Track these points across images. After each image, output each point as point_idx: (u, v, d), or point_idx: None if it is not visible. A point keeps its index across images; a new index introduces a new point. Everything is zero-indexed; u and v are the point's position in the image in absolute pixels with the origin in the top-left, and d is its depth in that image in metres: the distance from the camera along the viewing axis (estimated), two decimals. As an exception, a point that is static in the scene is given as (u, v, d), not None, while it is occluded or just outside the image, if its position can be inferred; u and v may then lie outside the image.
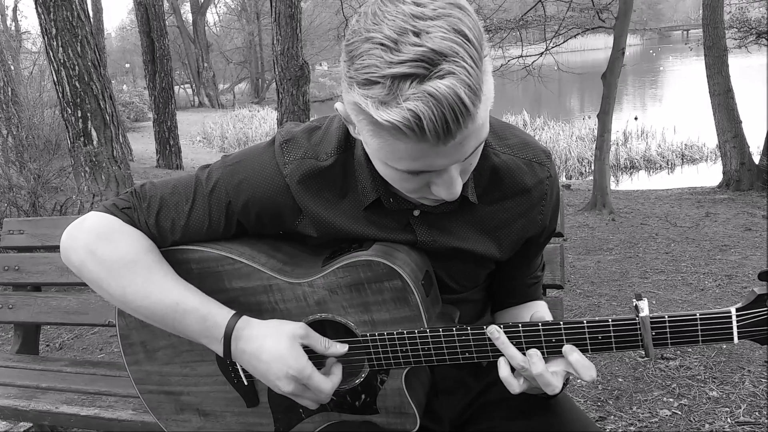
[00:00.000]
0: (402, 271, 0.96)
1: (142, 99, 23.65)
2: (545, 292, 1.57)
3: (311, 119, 1.11)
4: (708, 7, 8.17)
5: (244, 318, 1.00)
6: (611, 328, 0.93)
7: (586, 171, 12.15)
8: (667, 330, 0.92)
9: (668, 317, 0.91)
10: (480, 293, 1.17)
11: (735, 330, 0.90)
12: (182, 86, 33.83)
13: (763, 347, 2.68)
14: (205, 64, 31.28)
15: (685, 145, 12.86)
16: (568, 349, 0.94)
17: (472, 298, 1.15)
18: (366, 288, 0.99)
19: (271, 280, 1.03)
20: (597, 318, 0.94)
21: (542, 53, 9.60)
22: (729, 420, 2.26)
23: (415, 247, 1.04)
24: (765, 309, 0.89)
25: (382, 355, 1.01)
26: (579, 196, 8.23)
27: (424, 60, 0.73)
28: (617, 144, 12.64)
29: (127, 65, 42.32)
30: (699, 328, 0.91)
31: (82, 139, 5.89)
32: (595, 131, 8.24)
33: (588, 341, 0.94)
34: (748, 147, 8.29)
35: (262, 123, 20.76)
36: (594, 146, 7.97)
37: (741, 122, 8.17)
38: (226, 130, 19.75)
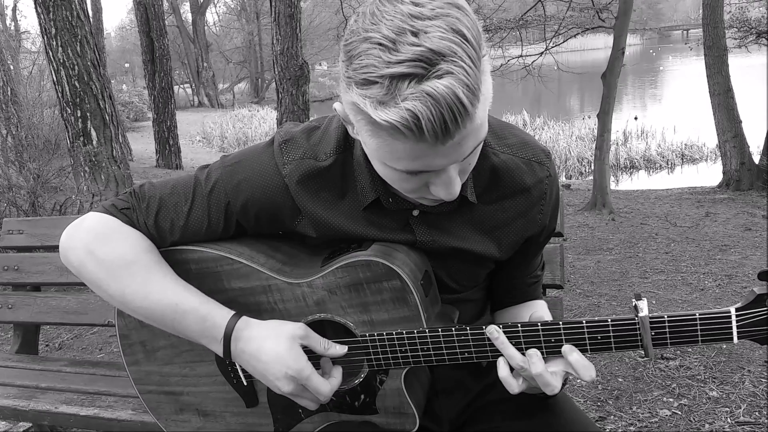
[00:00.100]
0: (401, 271, 0.96)
1: (141, 99, 23.64)
2: (545, 292, 1.57)
3: (310, 119, 1.11)
4: (708, 6, 8.17)
5: (244, 318, 1.00)
6: (610, 328, 0.93)
7: (585, 171, 12.16)
8: (667, 330, 0.92)
9: (667, 317, 0.91)
10: (480, 293, 1.17)
11: (734, 330, 0.90)
12: (182, 86, 33.83)
13: (763, 347, 2.68)
14: (205, 64, 31.28)
15: (685, 144, 12.86)
16: (567, 349, 0.94)
17: (472, 297, 1.15)
18: (365, 288, 0.99)
19: (270, 280, 1.03)
20: (596, 318, 0.94)
21: (542, 53, 9.60)
22: (729, 420, 2.26)
23: (415, 247, 1.04)
24: (765, 309, 0.89)
25: (381, 356, 1.01)
26: (579, 196, 8.23)
27: (422, 60, 0.73)
28: (617, 144, 12.64)
29: (127, 65, 42.32)
30: (698, 328, 0.91)
31: (81, 138, 5.89)
32: (595, 131, 8.24)
33: (587, 341, 0.94)
34: (748, 147, 8.29)
35: (261, 123, 20.76)
36: (594, 146, 7.97)
37: (741, 122, 8.17)
38: (225, 129, 19.75)
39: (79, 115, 5.84)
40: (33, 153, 6.94)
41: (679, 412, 2.34)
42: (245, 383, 1.10)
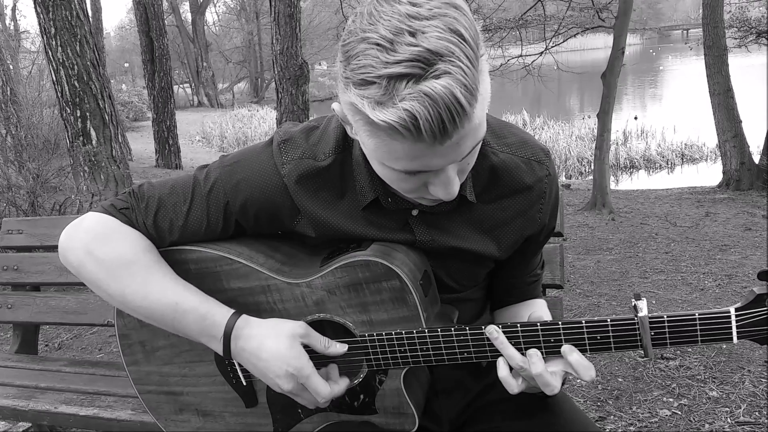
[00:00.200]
0: (400, 271, 0.96)
1: (141, 98, 23.63)
2: (545, 292, 1.57)
3: (310, 119, 1.11)
4: (708, 6, 8.17)
5: (244, 317, 1.00)
6: (610, 328, 0.93)
7: (585, 171, 12.15)
8: (666, 330, 0.92)
9: (667, 317, 0.91)
10: (479, 292, 1.17)
11: (734, 330, 0.90)
12: (181, 86, 33.81)
13: (763, 347, 2.68)
14: (204, 64, 31.27)
15: (685, 144, 12.86)
16: (567, 349, 0.94)
17: (472, 297, 1.15)
18: (364, 288, 0.99)
19: (270, 280, 1.03)
20: (596, 318, 0.94)
21: (542, 53, 9.60)
22: (729, 420, 2.26)
23: (414, 246, 1.04)
24: (764, 309, 0.89)
25: (380, 356, 1.01)
26: (579, 196, 8.23)
27: (419, 60, 0.73)
28: (617, 143, 12.64)
29: (126, 65, 42.29)
30: (698, 328, 0.91)
31: (81, 138, 5.88)
32: (595, 131, 8.24)
33: (587, 341, 0.94)
34: (748, 147, 8.28)
35: (261, 122, 20.75)
36: (594, 146, 7.96)
37: (741, 122, 8.17)
38: (225, 129, 19.74)
39: (78, 114, 5.84)
40: (32, 153, 6.94)
41: (679, 412, 2.34)
42: (244, 383, 1.10)
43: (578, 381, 2.58)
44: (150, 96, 13.34)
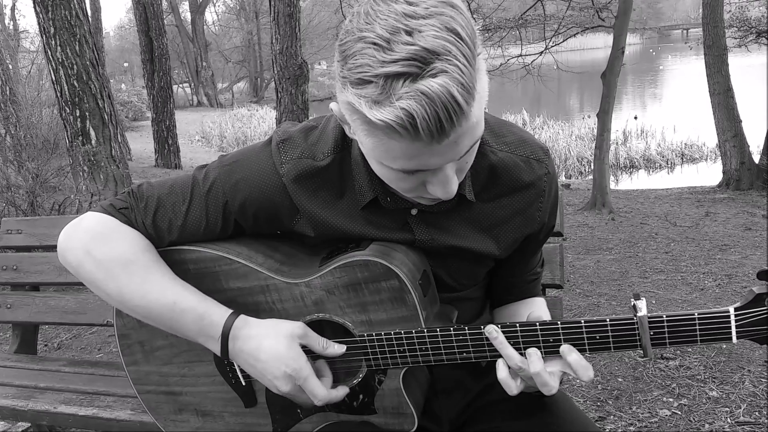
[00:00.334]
0: (399, 271, 0.96)
1: (140, 98, 23.63)
2: (545, 292, 1.56)
3: (309, 119, 1.11)
4: (708, 6, 8.17)
5: (242, 317, 1.00)
6: (609, 328, 0.93)
7: (585, 170, 12.15)
8: (665, 330, 0.91)
9: (666, 317, 0.91)
10: (479, 291, 1.17)
11: (734, 330, 0.90)
12: (181, 85, 33.81)
13: (763, 347, 2.68)
14: (204, 63, 31.26)
15: (685, 144, 12.86)
16: (566, 349, 0.94)
17: (472, 296, 1.15)
18: (363, 288, 0.99)
19: (269, 280, 1.03)
20: (595, 318, 0.94)
21: (542, 52, 9.60)
22: (729, 420, 2.26)
23: (414, 246, 1.04)
24: (764, 308, 0.89)
25: (379, 356, 1.01)
26: (578, 196, 8.23)
27: (416, 59, 0.73)
28: (617, 143, 12.64)
29: (126, 64, 42.27)
30: (697, 327, 0.90)
31: (80, 138, 5.88)
32: (595, 130, 8.23)
33: (586, 341, 0.94)
34: (748, 146, 8.29)
35: (260, 122, 20.75)
36: (593, 145, 7.96)
37: (741, 121, 8.17)
38: (224, 129, 19.74)
39: (77, 114, 5.83)
40: (32, 152, 6.93)
41: (679, 412, 2.34)
42: (243, 383, 1.10)
43: (578, 381, 2.58)
44: (149, 96, 13.34)
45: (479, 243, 1.04)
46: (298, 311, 1.03)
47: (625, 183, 11.48)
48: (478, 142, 0.86)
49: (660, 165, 12.41)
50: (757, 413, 2.29)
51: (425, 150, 0.79)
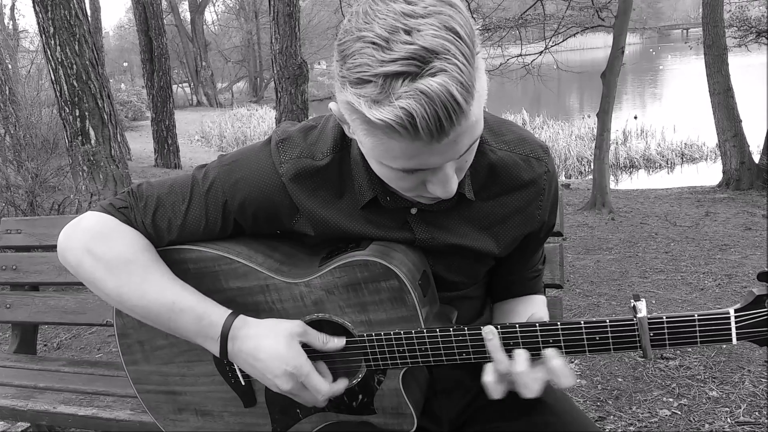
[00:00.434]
0: (399, 271, 0.96)
1: (140, 98, 23.61)
2: (544, 292, 1.56)
3: (308, 118, 1.11)
4: (708, 5, 8.17)
5: (241, 317, 1.00)
6: (609, 329, 0.93)
7: (585, 170, 12.16)
8: (665, 331, 0.91)
9: (666, 318, 0.91)
10: (479, 290, 1.17)
11: (734, 331, 0.89)
12: (180, 85, 33.80)
13: (762, 347, 2.68)
14: (204, 63, 31.25)
15: (685, 144, 12.86)
16: (550, 353, 0.94)
17: (472, 295, 1.15)
18: (363, 288, 0.98)
19: (268, 279, 1.03)
20: (594, 319, 0.94)
21: (541, 52, 9.60)
22: (729, 420, 2.26)
23: (414, 245, 1.04)
24: (764, 310, 0.89)
25: (379, 356, 1.01)
26: (578, 196, 8.23)
27: (415, 58, 0.73)
28: (617, 143, 12.65)
29: (125, 64, 42.25)
30: (697, 329, 0.90)
31: (79, 138, 5.88)
32: (595, 130, 8.24)
33: (585, 342, 0.94)
34: (748, 146, 8.29)
35: (260, 122, 20.75)
36: (593, 145, 7.97)
37: (741, 121, 8.17)
38: (224, 129, 19.74)
39: (77, 114, 5.83)
40: (31, 152, 6.93)
41: (679, 412, 2.34)
42: (243, 383, 1.09)
43: (578, 381, 2.58)
44: (149, 95, 13.33)
45: (479, 242, 1.04)
46: (298, 311, 1.03)
47: (625, 183, 11.48)
48: (478, 140, 0.86)
49: (660, 165, 12.42)
50: (757, 413, 2.29)
51: (425, 149, 0.78)
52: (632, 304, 0.93)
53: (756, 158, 8.33)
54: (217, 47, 36.44)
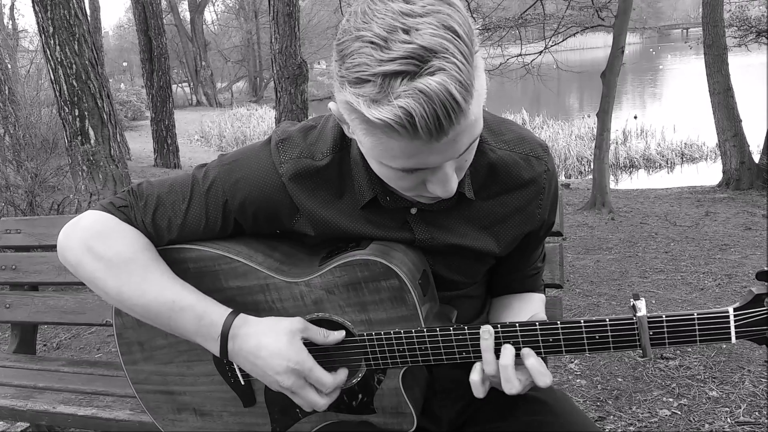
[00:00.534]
0: (399, 271, 0.96)
1: (139, 98, 23.62)
2: (544, 290, 1.56)
3: (308, 118, 1.11)
4: (708, 5, 8.17)
5: (242, 316, 1.00)
6: (608, 328, 0.93)
7: (585, 170, 12.16)
8: (665, 330, 0.91)
9: (666, 317, 0.91)
10: (480, 289, 1.17)
11: (733, 330, 0.90)
12: (180, 85, 33.80)
13: (762, 347, 2.68)
14: (203, 63, 31.25)
15: (685, 144, 12.87)
16: (526, 352, 0.94)
17: (472, 294, 1.15)
18: (363, 287, 0.98)
19: (268, 279, 1.03)
20: (594, 318, 0.94)
21: (541, 52, 9.61)
22: (729, 420, 2.26)
23: (413, 245, 1.04)
24: (763, 309, 0.89)
25: (379, 355, 1.01)
26: (578, 196, 8.23)
27: (414, 57, 0.73)
28: (617, 143, 12.65)
29: (125, 64, 42.25)
30: (696, 328, 0.90)
31: (79, 137, 5.87)
32: (595, 130, 8.24)
33: (585, 341, 0.94)
34: (748, 146, 8.29)
35: (260, 122, 20.75)
36: (593, 145, 7.97)
37: (741, 121, 8.18)
38: (224, 128, 19.74)
39: (76, 114, 5.82)
40: (31, 152, 6.93)
41: (679, 412, 2.34)
42: (243, 382, 1.09)
43: (578, 381, 2.58)
44: (148, 95, 13.33)
45: (479, 241, 1.04)
46: (298, 310, 1.03)
47: (624, 183, 11.49)
48: (477, 139, 0.86)
49: (660, 165, 12.42)
50: (757, 413, 2.29)
51: (424, 148, 0.78)
52: (632, 303, 0.93)
53: (756, 158, 8.34)
54: (217, 47, 36.44)
